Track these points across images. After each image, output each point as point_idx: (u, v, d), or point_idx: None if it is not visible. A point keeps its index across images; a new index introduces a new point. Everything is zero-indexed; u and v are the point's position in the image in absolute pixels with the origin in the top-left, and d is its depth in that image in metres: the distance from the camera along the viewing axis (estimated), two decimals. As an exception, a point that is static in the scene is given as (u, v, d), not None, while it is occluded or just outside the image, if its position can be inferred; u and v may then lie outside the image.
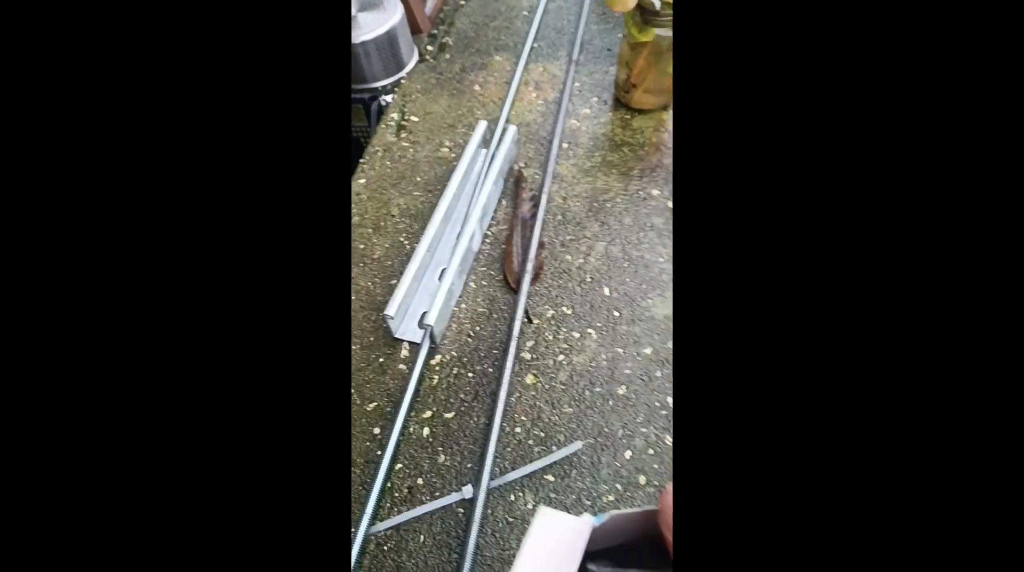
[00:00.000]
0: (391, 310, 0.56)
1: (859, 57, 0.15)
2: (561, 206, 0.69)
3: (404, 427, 0.54)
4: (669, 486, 0.24)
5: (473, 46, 0.90)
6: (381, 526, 0.48)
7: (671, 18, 0.67)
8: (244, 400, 0.17)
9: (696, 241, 0.16)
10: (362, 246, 0.67)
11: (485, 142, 0.72)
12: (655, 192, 0.70)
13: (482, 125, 0.71)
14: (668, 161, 0.73)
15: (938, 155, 0.14)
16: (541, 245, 0.65)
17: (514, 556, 0.30)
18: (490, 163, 0.68)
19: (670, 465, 0.50)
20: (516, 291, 0.61)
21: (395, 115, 0.81)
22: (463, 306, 0.62)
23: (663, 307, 0.60)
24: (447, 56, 0.88)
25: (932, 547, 0.12)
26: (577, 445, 0.51)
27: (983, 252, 0.13)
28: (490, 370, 0.57)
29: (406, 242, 0.67)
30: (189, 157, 0.17)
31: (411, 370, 0.55)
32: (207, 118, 0.17)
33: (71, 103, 0.16)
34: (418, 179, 0.73)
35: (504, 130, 0.72)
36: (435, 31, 0.93)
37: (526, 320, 0.60)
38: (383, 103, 0.83)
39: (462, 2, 0.98)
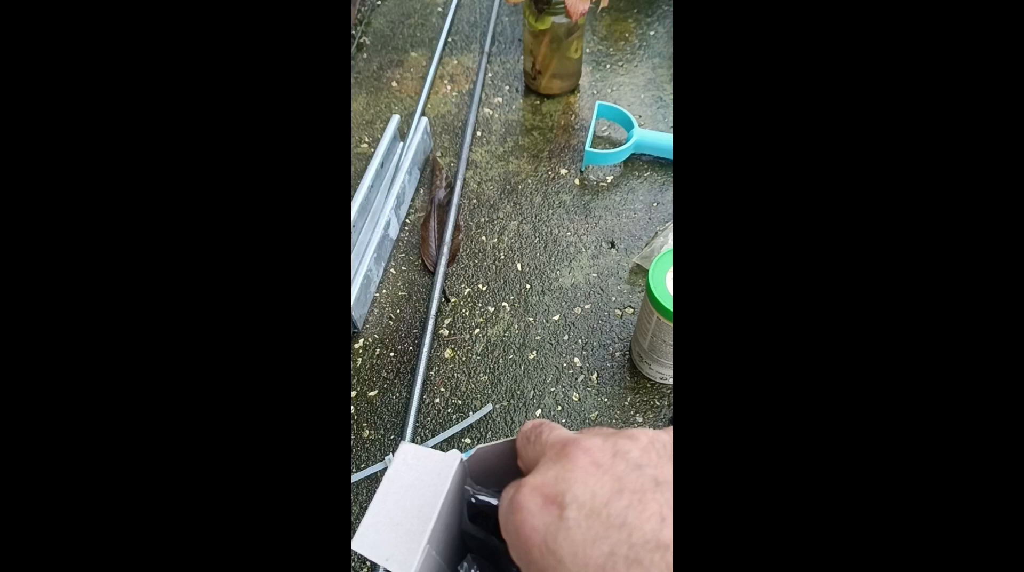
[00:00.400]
0: (310, 299, 0.59)
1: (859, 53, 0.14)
2: (476, 190, 0.73)
3: (330, 408, 0.57)
4: (527, 422, 0.28)
5: (390, 44, 0.93)
6: (310, 500, 0.51)
7: (563, 6, 0.71)
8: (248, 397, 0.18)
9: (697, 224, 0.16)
10: (286, 243, 0.69)
11: (401, 135, 0.76)
12: (563, 171, 0.74)
13: (395, 119, 0.73)
14: (575, 142, 0.77)
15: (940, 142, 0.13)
16: (457, 228, 0.68)
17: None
18: (403, 154, 0.71)
19: (576, 419, 0.54)
20: (433, 273, 0.64)
21: (315, 116, 0.83)
22: (384, 291, 0.65)
23: (570, 277, 0.64)
24: (364, 55, 0.91)
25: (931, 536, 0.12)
26: (488, 408, 0.55)
27: (983, 252, 0.13)
28: (410, 348, 0.60)
29: (328, 236, 0.69)
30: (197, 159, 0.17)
31: (334, 354, 0.58)
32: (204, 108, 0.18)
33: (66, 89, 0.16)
34: (339, 175, 0.75)
35: (418, 122, 0.75)
36: (353, 32, 0.95)
37: (444, 299, 0.63)
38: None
39: (379, 2, 1.00)
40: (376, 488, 0.32)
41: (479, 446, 0.33)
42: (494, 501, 0.33)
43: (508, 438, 0.34)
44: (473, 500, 0.33)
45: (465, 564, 0.32)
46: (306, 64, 0.19)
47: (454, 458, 0.32)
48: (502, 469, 0.35)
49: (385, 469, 0.53)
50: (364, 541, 0.29)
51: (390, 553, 0.29)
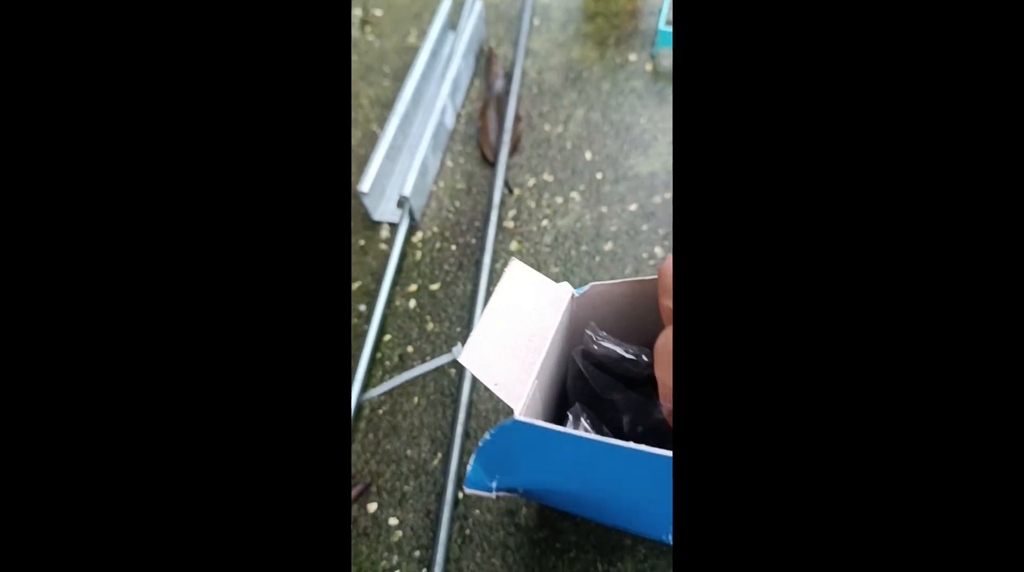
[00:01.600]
0: (364, 186, 0.54)
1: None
2: (536, 79, 0.66)
3: (390, 301, 0.53)
4: (668, 257, 0.23)
5: (434, -65, 0.85)
6: (373, 392, 0.48)
7: None
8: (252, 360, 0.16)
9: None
10: (334, 139, 0.65)
11: (452, 25, 0.69)
12: (632, 57, 0.67)
13: (446, 4, 0.67)
14: (644, 27, 0.69)
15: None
16: (517, 118, 0.62)
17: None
18: (456, 40, 0.65)
19: (661, 308, 0.49)
20: (494, 164, 0.59)
21: (357, 11, 0.77)
22: (441, 184, 0.60)
23: (646, 165, 0.58)
24: (407, -52, 0.84)
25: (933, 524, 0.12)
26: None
27: (983, 251, 0.12)
28: (473, 241, 0.55)
29: (378, 130, 0.64)
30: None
31: (392, 247, 0.54)
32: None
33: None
34: (386, 69, 0.70)
35: (472, 6, 0.68)
36: (393, -75, 0.87)
37: (506, 190, 0.58)
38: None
39: None
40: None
41: (593, 283, 0.28)
42: (625, 352, 0.29)
43: (628, 278, 0.29)
44: (596, 346, 0.29)
45: (576, 407, 0.28)
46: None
47: (566, 291, 0.28)
48: (616, 312, 0.31)
49: (452, 360, 0.49)
50: (472, 358, 0.25)
51: (499, 377, 0.25)
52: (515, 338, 0.26)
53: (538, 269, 0.53)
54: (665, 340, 0.23)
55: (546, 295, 0.28)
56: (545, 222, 0.56)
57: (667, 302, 0.24)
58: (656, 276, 0.25)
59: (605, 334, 0.28)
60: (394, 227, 0.57)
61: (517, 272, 0.28)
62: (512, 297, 0.27)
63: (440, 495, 0.44)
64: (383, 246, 0.56)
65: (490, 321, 0.26)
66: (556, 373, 0.30)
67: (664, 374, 0.23)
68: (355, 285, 0.54)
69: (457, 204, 0.58)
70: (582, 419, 0.31)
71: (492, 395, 0.48)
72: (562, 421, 0.31)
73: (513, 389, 0.26)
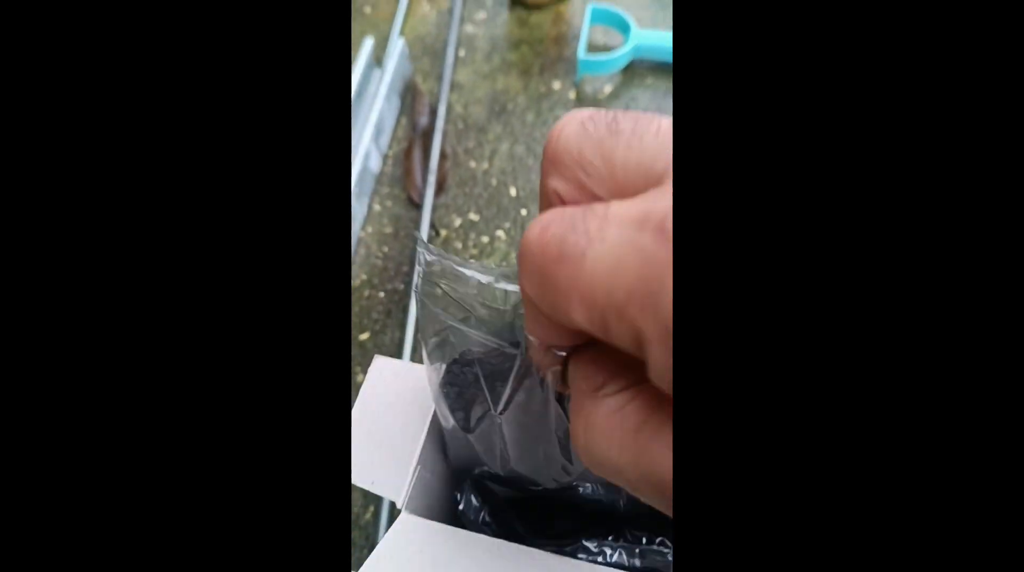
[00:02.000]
0: (289, 241, 0.55)
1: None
2: (462, 114, 0.67)
3: (320, 354, 0.53)
4: (561, 120, 0.15)
5: (360, -34, 0.85)
6: (305, 450, 0.49)
7: None
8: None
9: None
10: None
11: (378, 62, 0.69)
12: (556, 85, 0.67)
13: (368, 42, 0.67)
14: (568, 53, 0.70)
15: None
16: (443, 156, 0.63)
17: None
18: (380, 81, 0.65)
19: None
20: (420, 206, 0.60)
21: (285, 50, 0.77)
22: (369, 230, 0.60)
23: (569, 198, 0.59)
24: (334, -20, 0.83)
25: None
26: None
27: (984, 251, 0.12)
28: (401, 287, 0.56)
29: (307, 176, 0.65)
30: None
31: (321, 298, 0.55)
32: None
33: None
34: (314, 111, 0.70)
35: (394, 45, 0.68)
36: (320, -44, 0.87)
37: (433, 232, 0.58)
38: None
39: (346, -78, 0.91)
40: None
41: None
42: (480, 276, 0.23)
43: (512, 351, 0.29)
44: (427, 268, 0.22)
45: (465, 489, 0.29)
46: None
47: (437, 372, 0.29)
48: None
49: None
50: None
51: (375, 476, 0.25)
52: (388, 434, 0.27)
53: (465, 312, 0.54)
54: (540, 232, 0.13)
55: (416, 382, 0.28)
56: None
57: (554, 183, 0.14)
58: None
59: (441, 252, 0.20)
60: (323, 277, 0.57)
61: (381, 367, 0.28)
62: (379, 396, 0.28)
63: (372, 549, 0.44)
64: (313, 297, 0.57)
65: (357, 423, 0.27)
66: (445, 457, 0.30)
67: (532, 286, 0.14)
68: (286, 339, 0.55)
69: (385, 249, 0.59)
70: (472, 497, 0.32)
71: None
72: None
73: (392, 483, 0.26)
